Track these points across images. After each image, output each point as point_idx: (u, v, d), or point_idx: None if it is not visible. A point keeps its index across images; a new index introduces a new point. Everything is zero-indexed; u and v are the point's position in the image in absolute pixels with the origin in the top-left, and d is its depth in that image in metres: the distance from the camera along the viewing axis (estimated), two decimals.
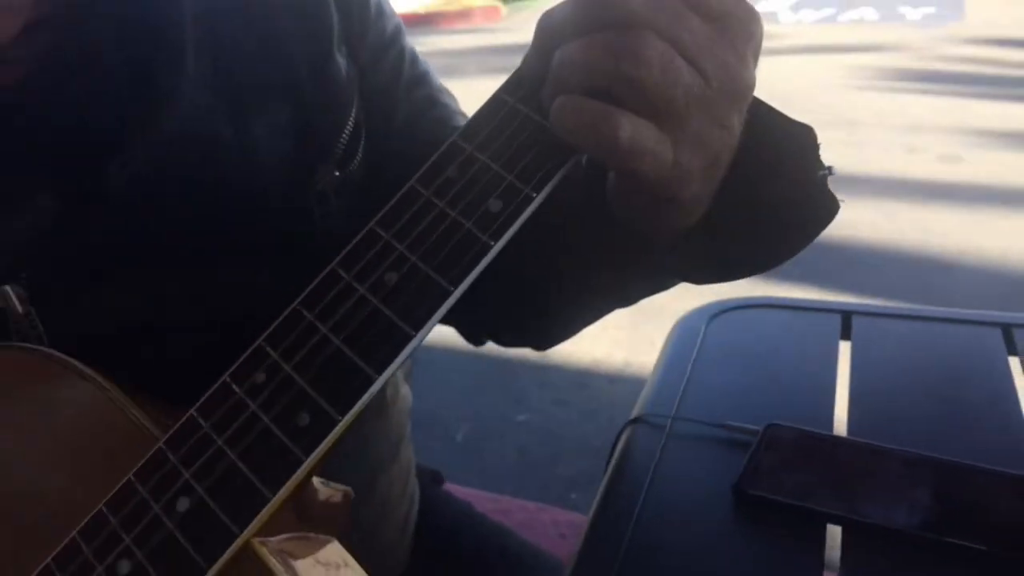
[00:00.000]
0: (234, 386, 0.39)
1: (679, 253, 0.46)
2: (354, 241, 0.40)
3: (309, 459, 0.37)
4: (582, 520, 0.64)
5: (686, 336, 0.79)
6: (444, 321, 0.41)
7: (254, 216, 0.53)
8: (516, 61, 0.41)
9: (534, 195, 0.38)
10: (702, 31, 0.37)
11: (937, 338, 0.79)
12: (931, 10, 7.76)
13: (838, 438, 0.64)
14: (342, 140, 0.56)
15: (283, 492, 0.37)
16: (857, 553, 0.55)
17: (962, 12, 7.61)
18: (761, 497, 0.59)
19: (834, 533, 0.56)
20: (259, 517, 0.37)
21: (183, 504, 0.38)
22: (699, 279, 0.50)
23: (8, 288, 0.47)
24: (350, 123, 0.57)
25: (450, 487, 0.91)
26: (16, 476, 0.42)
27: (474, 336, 0.67)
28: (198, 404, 0.40)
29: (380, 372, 0.38)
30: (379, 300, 0.39)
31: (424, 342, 0.39)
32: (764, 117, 0.43)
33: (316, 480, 0.42)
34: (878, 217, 3.28)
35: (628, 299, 0.56)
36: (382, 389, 0.38)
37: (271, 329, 0.40)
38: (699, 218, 0.44)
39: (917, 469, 0.59)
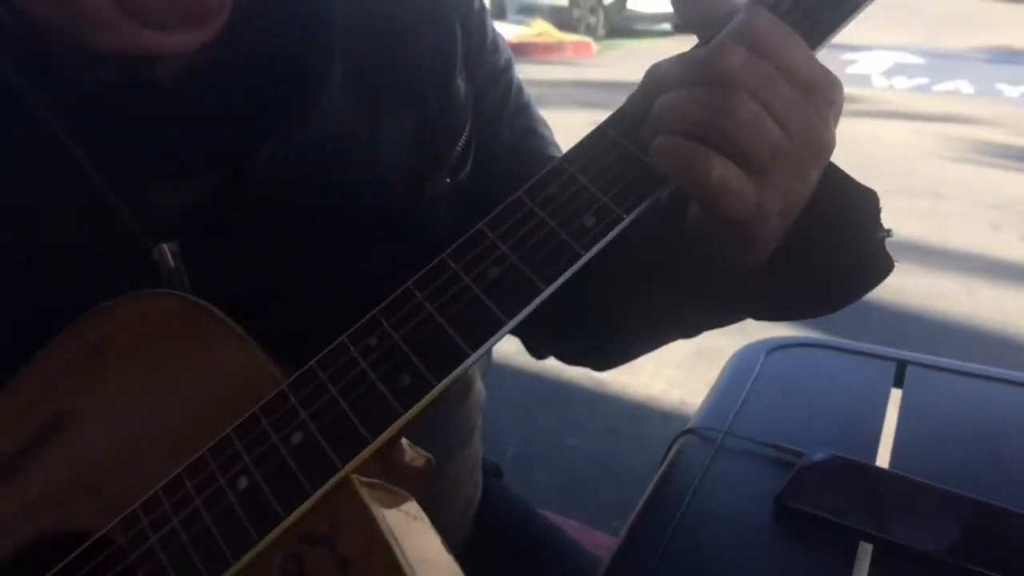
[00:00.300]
0: (350, 346, 0.46)
1: (744, 288, 0.51)
2: (464, 237, 0.47)
3: (407, 414, 0.44)
4: None
5: (745, 365, 0.83)
6: (514, 331, 0.47)
7: (374, 211, 0.60)
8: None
9: (625, 216, 0.44)
10: (790, 95, 0.42)
11: (989, 395, 0.82)
12: None
13: (880, 469, 0.68)
14: (455, 151, 0.63)
15: (382, 438, 0.44)
16: (885, 571, 0.58)
17: None
18: (800, 510, 0.62)
19: (865, 551, 0.59)
20: (359, 456, 0.44)
21: (297, 438, 0.45)
22: (758, 314, 0.55)
23: (164, 246, 0.55)
24: (463, 137, 0.64)
25: None
26: (169, 402, 0.50)
27: (537, 349, 0.73)
28: (317, 357, 0.46)
29: (474, 350, 0.44)
30: (480, 289, 0.45)
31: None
32: (835, 176, 0.48)
33: (404, 441, 0.48)
34: (959, 291, 3.25)
35: (688, 328, 0.61)
36: (464, 377, 0.44)
37: (386, 302, 0.46)
38: (767, 257, 0.49)
39: (951, 504, 0.63)
